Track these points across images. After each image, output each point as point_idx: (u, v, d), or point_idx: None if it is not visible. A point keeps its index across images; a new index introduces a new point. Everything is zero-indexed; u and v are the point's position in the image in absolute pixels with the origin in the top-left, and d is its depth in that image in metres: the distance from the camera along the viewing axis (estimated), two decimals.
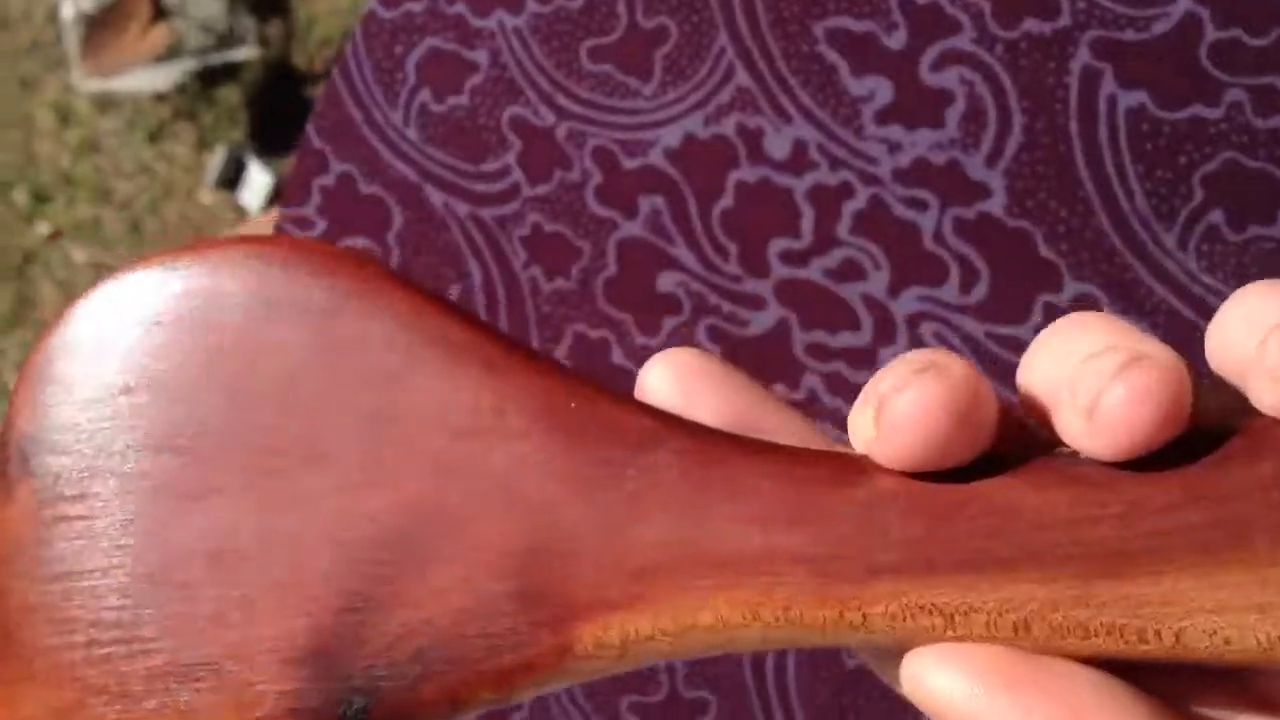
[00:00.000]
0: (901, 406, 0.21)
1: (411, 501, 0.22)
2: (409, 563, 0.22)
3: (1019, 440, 0.23)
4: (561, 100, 0.50)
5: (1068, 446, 0.22)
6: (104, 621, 0.23)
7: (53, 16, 2.00)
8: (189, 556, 0.23)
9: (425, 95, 0.51)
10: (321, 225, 0.53)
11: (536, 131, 0.50)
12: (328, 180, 0.52)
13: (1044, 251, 0.46)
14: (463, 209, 0.51)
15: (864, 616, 0.21)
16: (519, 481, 0.22)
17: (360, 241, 0.52)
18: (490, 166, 0.51)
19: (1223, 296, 0.43)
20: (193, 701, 0.22)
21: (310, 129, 0.52)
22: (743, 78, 0.48)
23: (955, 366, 0.21)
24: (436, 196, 0.51)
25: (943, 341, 0.47)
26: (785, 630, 0.22)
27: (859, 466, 0.22)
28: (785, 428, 0.24)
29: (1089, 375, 0.21)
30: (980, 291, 0.47)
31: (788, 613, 0.21)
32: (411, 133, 0.51)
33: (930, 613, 0.21)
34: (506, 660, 0.22)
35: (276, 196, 1.84)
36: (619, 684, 0.52)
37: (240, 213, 1.88)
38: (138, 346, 0.23)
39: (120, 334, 0.23)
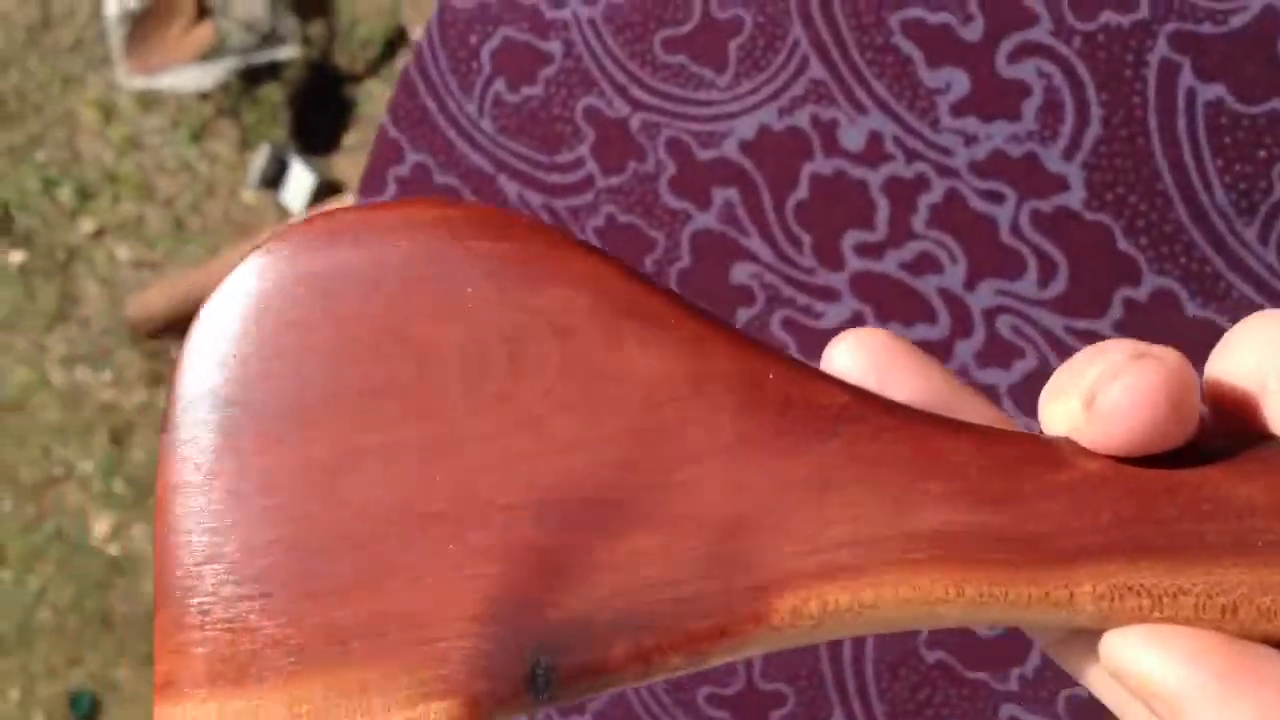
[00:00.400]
0: (1118, 393, 0.21)
1: (609, 467, 0.22)
2: (605, 526, 0.22)
3: (1202, 429, 0.23)
4: (635, 91, 0.50)
5: (1270, 435, 0.22)
6: (284, 577, 0.22)
7: (97, 14, 2.02)
8: (375, 513, 0.22)
9: (500, 85, 0.51)
10: None
11: (610, 122, 0.50)
12: (402, 170, 0.53)
13: (1122, 245, 0.46)
14: (537, 200, 0.51)
15: (1070, 595, 0.22)
16: (717, 452, 0.22)
17: None
18: (564, 157, 0.51)
19: None
20: (376, 657, 0.22)
21: (385, 119, 0.53)
22: (817, 69, 0.48)
23: (1170, 355, 0.21)
24: (511, 187, 0.51)
25: (1020, 335, 0.47)
26: (986, 607, 0.22)
27: (1062, 449, 0.22)
28: (978, 413, 0.24)
29: None
30: (1059, 285, 0.46)
31: (992, 590, 0.22)
32: (486, 123, 0.51)
33: (1138, 594, 0.21)
34: (701, 626, 0.22)
35: (318, 196, 1.85)
36: (697, 675, 0.52)
37: (282, 212, 1.89)
38: (315, 305, 0.23)
39: (293, 292, 0.23)
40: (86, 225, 2.00)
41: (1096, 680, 0.24)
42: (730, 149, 0.49)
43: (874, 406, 0.23)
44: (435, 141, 0.52)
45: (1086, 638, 0.23)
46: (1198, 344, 0.45)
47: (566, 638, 0.22)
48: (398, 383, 0.23)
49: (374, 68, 1.89)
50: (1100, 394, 0.22)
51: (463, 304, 0.23)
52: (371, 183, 0.53)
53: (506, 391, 0.23)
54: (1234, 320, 0.45)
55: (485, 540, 0.22)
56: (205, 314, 0.24)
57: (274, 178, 1.87)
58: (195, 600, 0.22)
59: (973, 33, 0.47)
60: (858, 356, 0.24)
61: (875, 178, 0.48)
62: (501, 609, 0.22)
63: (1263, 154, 0.45)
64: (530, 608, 0.22)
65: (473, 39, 0.51)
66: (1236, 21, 0.45)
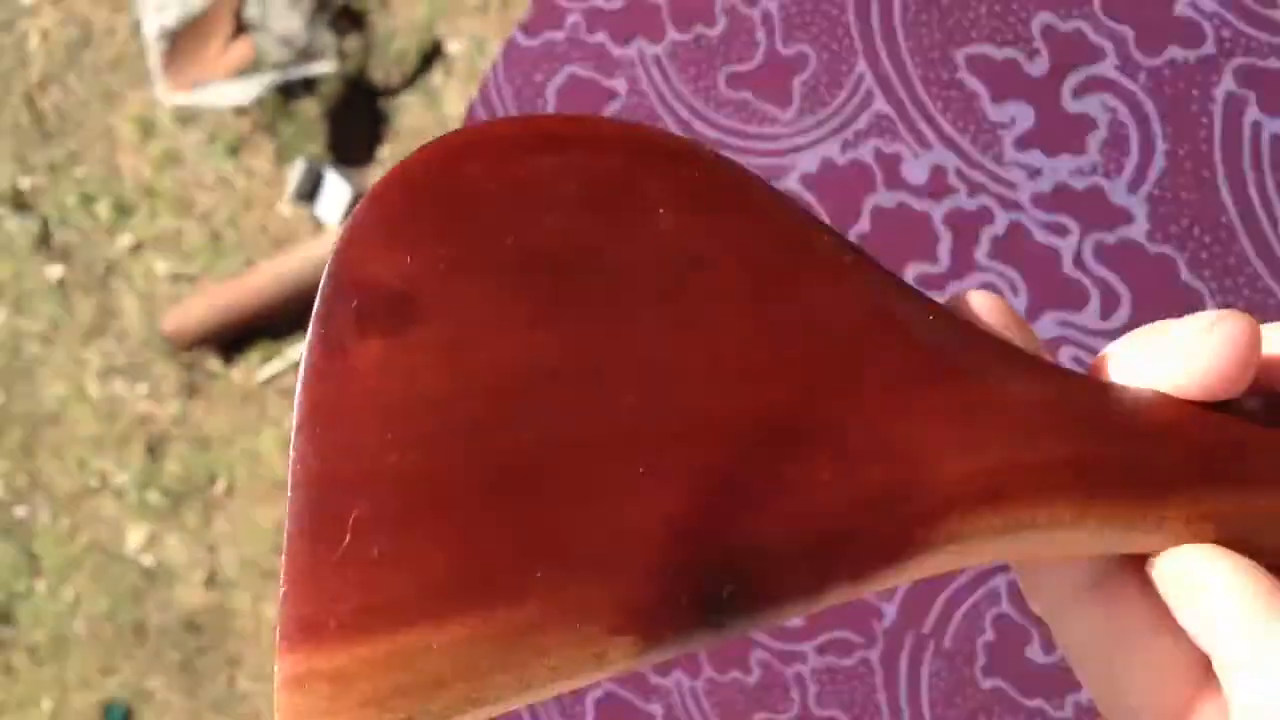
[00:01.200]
0: (1215, 340, 0.25)
1: (788, 396, 0.22)
2: (785, 453, 0.22)
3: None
4: (700, 127, 0.51)
5: None
6: (450, 503, 0.21)
7: (136, 32, 2.04)
8: (551, 434, 0.21)
9: None
10: None
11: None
12: None
13: (1186, 277, 0.46)
14: None
15: (1161, 520, 0.24)
16: (888, 386, 0.23)
17: None
18: None
19: None
20: (552, 590, 0.21)
21: None
22: (881, 104, 0.49)
23: (1244, 315, 0.25)
24: None
25: (1082, 366, 0.47)
26: (1099, 533, 0.24)
27: (1153, 397, 0.25)
28: None
29: None
30: (1121, 316, 0.47)
31: (1108, 514, 0.24)
32: None
33: (1213, 521, 0.24)
34: (872, 554, 0.22)
35: (354, 208, 1.86)
36: (751, 700, 0.52)
37: (318, 225, 1.90)
38: (501, 208, 0.22)
39: (479, 190, 0.22)
40: (124, 240, 2.01)
41: (1075, 623, 0.26)
42: (793, 182, 0.50)
43: (1015, 354, 0.24)
44: None
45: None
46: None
47: (748, 565, 0.21)
48: (583, 298, 0.22)
49: (409, 81, 1.90)
50: (1187, 345, 0.25)
51: (653, 225, 0.22)
52: None
53: (692, 317, 0.22)
54: None
55: (669, 465, 0.21)
56: (379, 194, 0.22)
57: (310, 191, 1.89)
58: (340, 531, 0.20)
59: (1038, 68, 0.47)
60: (993, 309, 0.25)
61: (938, 210, 0.49)
62: (685, 535, 0.21)
63: None
64: (713, 534, 0.21)
65: (538, 76, 0.52)
66: None
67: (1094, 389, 0.25)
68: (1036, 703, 0.49)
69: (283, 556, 0.20)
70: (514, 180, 0.22)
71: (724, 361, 0.22)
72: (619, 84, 0.51)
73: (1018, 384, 0.24)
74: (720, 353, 0.22)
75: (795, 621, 0.51)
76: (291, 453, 0.21)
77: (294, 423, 0.20)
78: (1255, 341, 0.25)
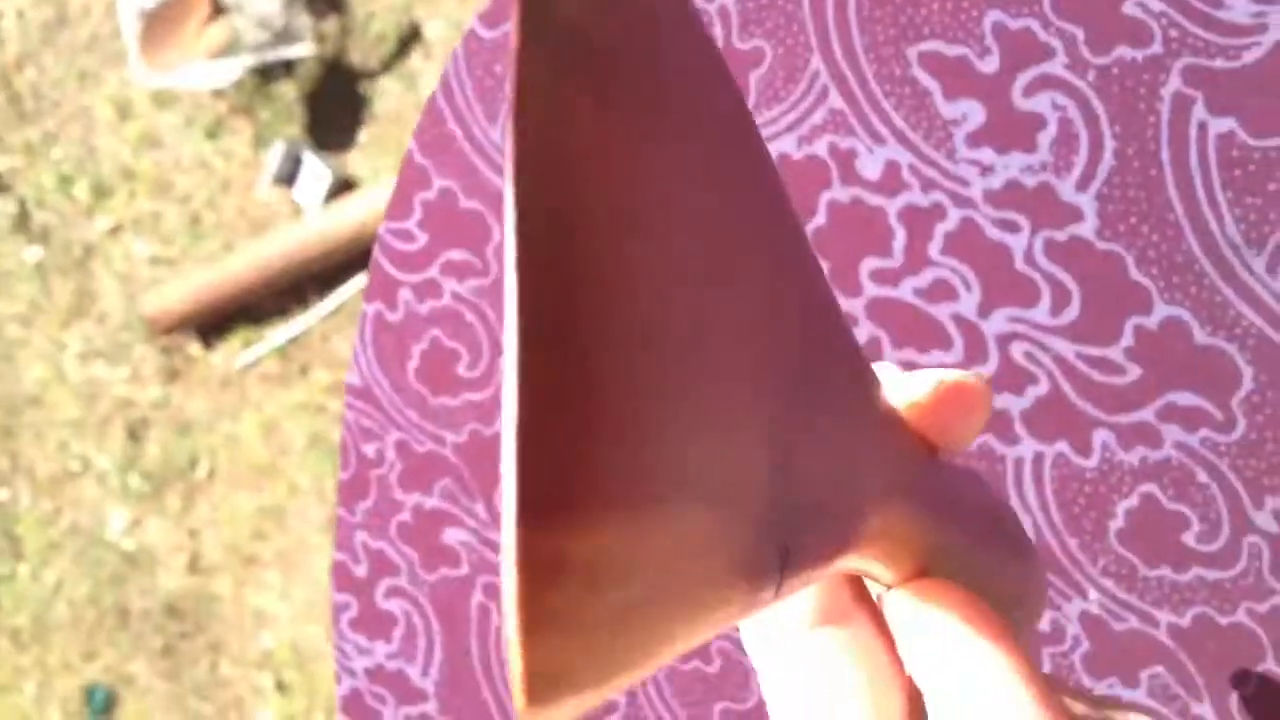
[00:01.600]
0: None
1: (798, 347, 0.20)
2: (805, 403, 0.20)
3: None
4: None
5: None
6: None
7: (112, 12, 2.03)
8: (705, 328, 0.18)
9: None
10: (423, 238, 0.54)
11: None
12: (429, 195, 0.54)
13: (1134, 274, 0.47)
14: None
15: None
16: None
17: (460, 254, 0.54)
18: None
19: None
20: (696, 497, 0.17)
21: (412, 144, 0.54)
22: (836, 100, 0.49)
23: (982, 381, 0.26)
24: None
25: (1033, 361, 0.48)
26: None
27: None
28: None
29: None
30: (1071, 312, 0.48)
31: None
32: None
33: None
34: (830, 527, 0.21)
35: (333, 192, 1.86)
36: (711, 689, 0.53)
37: (296, 208, 1.90)
38: None
39: None
40: (103, 222, 2.01)
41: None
42: None
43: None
44: (460, 166, 0.53)
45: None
46: (1207, 370, 0.46)
47: (802, 524, 0.20)
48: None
49: (388, 64, 1.90)
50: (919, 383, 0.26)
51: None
52: (398, 207, 0.54)
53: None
54: (1242, 349, 0.46)
55: (750, 396, 0.18)
56: None
57: (289, 174, 1.89)
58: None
59: (989, 65, 0.48)
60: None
61: (892, 206, 0.49)
62: (775, 482, 0.19)
63: (1273, 187, 0.46)
64: (785, 488, 0.19)
65: (498, 67, 0.53)
66: (1249, 57, 0.46)
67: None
68: None
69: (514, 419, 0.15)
70: None
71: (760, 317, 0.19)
72: None
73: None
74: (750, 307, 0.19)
75: None
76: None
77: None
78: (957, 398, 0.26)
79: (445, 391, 0.55)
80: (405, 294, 0.55)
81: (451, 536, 0.55)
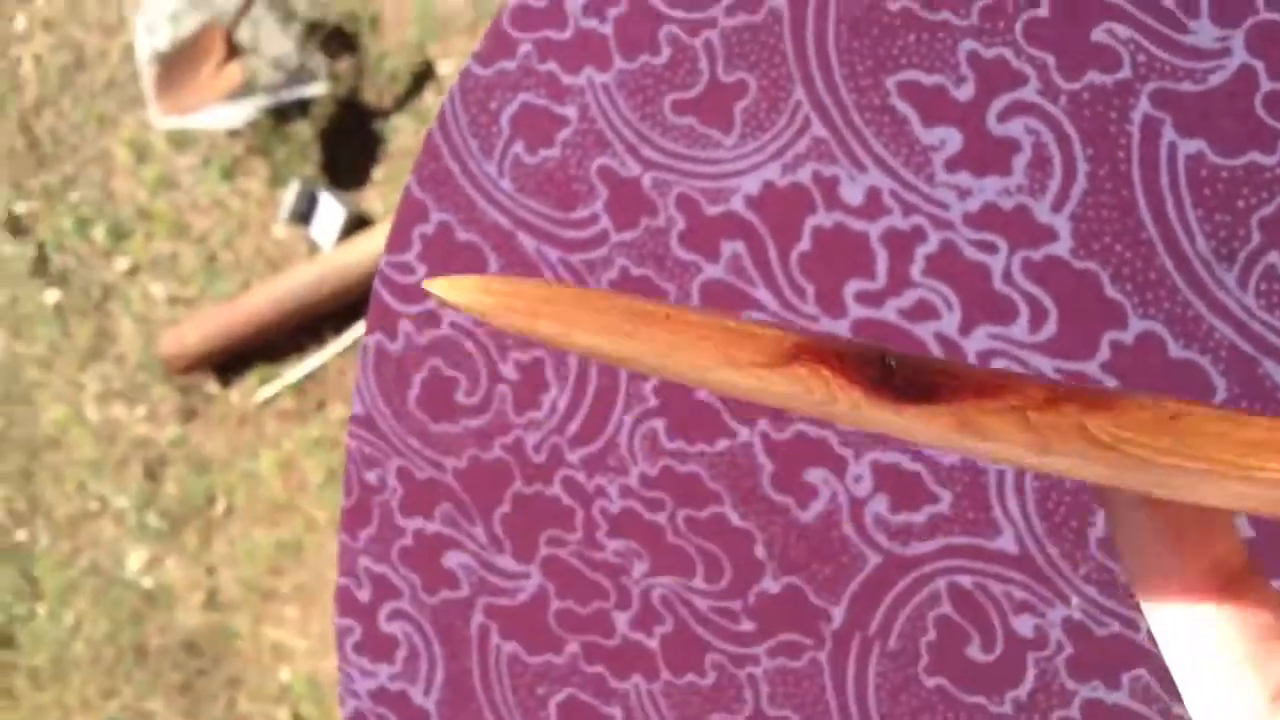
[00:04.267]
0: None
1: None
2: None
3: None
4: (646, 151, 0.53)
5: None
6: None
7: (129, 55, 2.06)
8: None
9: (518, 148, 0.54)
10: (422, 270, 0.56)
11: (623, 181, 0.53)
12: (427, 228, 0.56)
13: (1109, 291, 0.48)
14: (554, 254, 0.54)
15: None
16: None
17: None
18: (580, 214, 0.54)
19: None
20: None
21: (411, 180, 0.55)
22: (818, 129, 0.51)
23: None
24: (529, 243, 0.54)
25: None
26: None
27: None
28: None
29: None
30: (1049, 329, 0.49)
31: None
32: (505, 183, 0.54)
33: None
34: (1063, 387, 0.23)
35: (348, 229, 1.88)
36: (707, 702, 0.54)
37: (313, 246, 1.92)
38: None
39: None
40: (121, 263, 2.03)
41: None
42: (737, 204, 0.52)
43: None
44: (458, 201, 0.55)
45: None
46: (1181, 383, 0.47)
47: (913, 358, 0.23)
48: None
49: (401, 102, 1.92)
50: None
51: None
52: (398, 241, 0.56)
53: None
54: (1215, 360, 0.47)
55: None
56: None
57: (304, 213, 1.91)
58: None
59: (964, 93, 0.49)
60: None
61: (874, 230, 0.51)
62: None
63: (1241, 204, 0.47)
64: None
65: (493, 104, 0.54)
66: (1215, 80, 0.47)
67: None
68: (977, 700, 0.51)
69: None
70: None
71: None
72: (570, 111, 0.54)
73: None
74: None
75: (747, 625, 0.54)
76: None
77: None
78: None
79: (445, 418, 0.56)
80: (405, 325, 0.57)
81: (452, 559, 0.57)
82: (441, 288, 0.24)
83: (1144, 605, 0.26)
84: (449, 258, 0.55)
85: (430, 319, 0.56)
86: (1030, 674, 0.50)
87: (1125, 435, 0.22)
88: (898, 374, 0.22)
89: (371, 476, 0.57)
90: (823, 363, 0.23)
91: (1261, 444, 0.22)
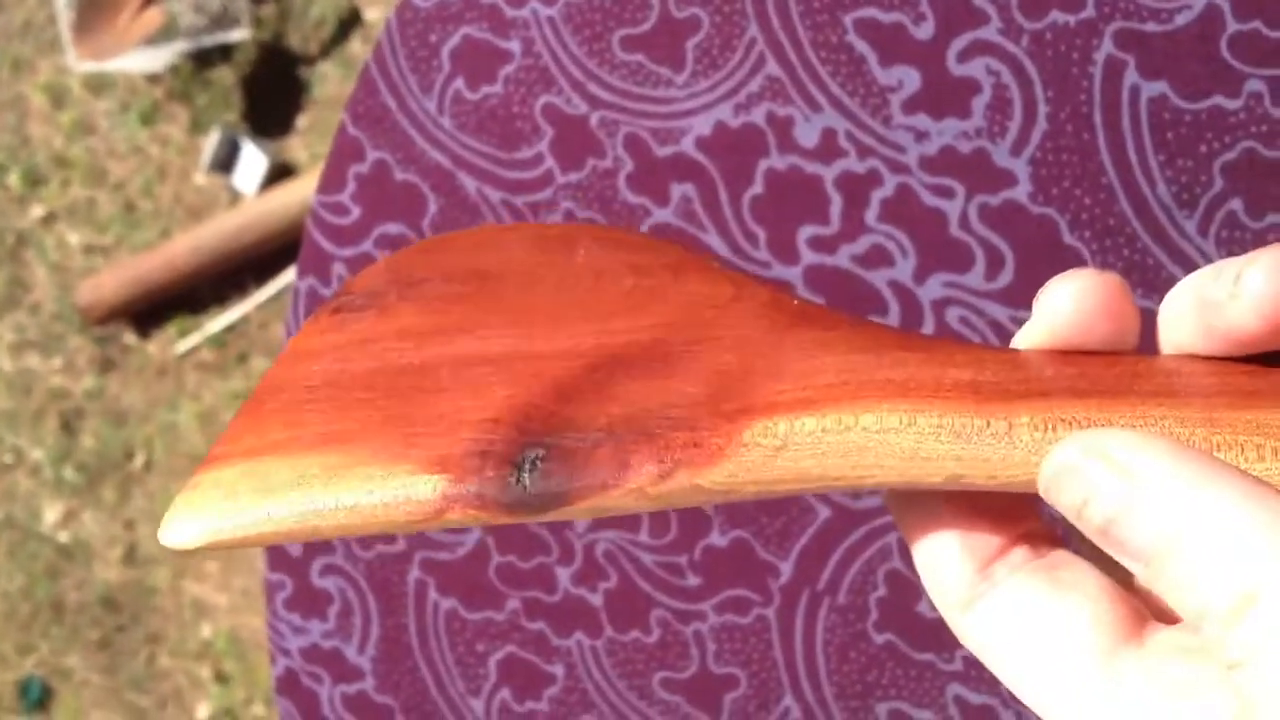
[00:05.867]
0: (1053, 290, 0.25)
1: (645, 343, 0.27)
2: (624, 373, 0.26)
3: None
4: (594, 89, 0.51)
5: None
6: (360, 390, 0.27)
7: None
8: (444, 360, 0.27)
9: (459, 83, 0.52)
10: (357, 211, 0.54)
11: (569, 120, 0.51)
12: (363, 168, 0.53)
13: (1068, 238, 0.47)
14: (496, 196, 0.52)
15: (1009, 427, 0.24)
16: (736, 338, 0.26)
17: (395, 227, 0.53)
18: (524, 154, 0.51)
19: None
20: (390, 440, 0.26)
21: (345, 116, 0.53)
22: (773, 67, 0.49)
23: (1108, 273, 0.25)
24: (470, 183, 0.52)
25: (968, 326, 0.48)
26: (935, 437, 0.24)
27: (1023, 349, 0.26)
28: None
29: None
30: (1005, 277, 0.48)
31: (942, 419, 0.24)
32: (446, 121, 0.52)
33: (1070, 425, 0.24)
34: (680, 438, 0.25)
35: (271, 178, 1.84)
36: (652, 659, 0.53)
37: (234, 195, 1.88)
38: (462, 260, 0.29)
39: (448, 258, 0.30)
40: (36, 210, 1.98)
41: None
42: (687, 146, 0.50)
43: (878, 324, 0.27)
44: (395, 139, 0.53)
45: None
46: (1140, 333, 0.46)
47: (559, 438, 0.25)
48: (501, 295, 0.29)
49: (327, 49, 1.88)
50: (1044, 300, 0.25)
51: (572, 256, 0.29)
52: (332, 180, 0.53)
53: (584, 300, 0.28)
54: None
55: (520, 374, 0.27)
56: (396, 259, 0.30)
57: (226, 161, 1.86)
58: (259, 408, 0.28)
59: (924, 31, 0.48)
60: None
61: (829, 173, 0.49)
62: (514, 414, 0.26)
63: (1203, 149, 0.46)
64: (538, 417, 0.26)
65: (432, 37, 0.52)
66: (1180, 20, 0.46)
67: (956, 344, 0.26)
68: (927, 656, 0.50)
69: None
70: (475, 243, 0.30)
71: (600, 324, 0.28)
72: (513, 46, 0.51)
73: (864, 334, 0.26)
74: (599, 319, 0.28)
75: (693, 580, 0.52)
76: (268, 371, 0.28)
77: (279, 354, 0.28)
78: (1107, 289, 0.25)
79: None
80: (339, 268, 0.54)
81: None
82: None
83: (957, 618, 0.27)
84: (385, 198, 0.53)
85: (365, 262, 0.54)
86: None
87: (736, 479, 0.25)
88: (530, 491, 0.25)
89: None
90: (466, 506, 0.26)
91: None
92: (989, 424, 0.24)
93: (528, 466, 0.25)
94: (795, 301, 0.27)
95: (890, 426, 0.24)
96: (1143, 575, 0.23)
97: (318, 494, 0.26)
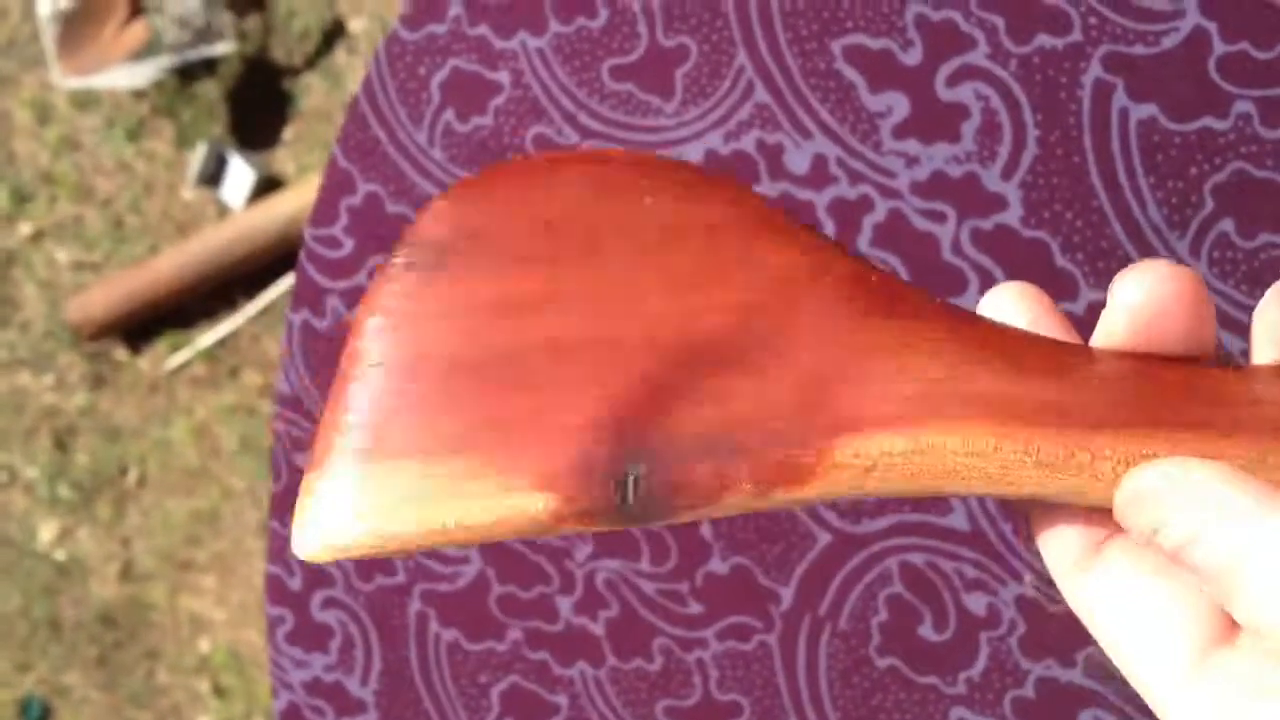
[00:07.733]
0: (1132, 289, 0.26)
1: (727, 328, 0.27)
2: (712, 370, 0.26)
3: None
4: (584, 119, 0.51)
5: None
6: (437, 390, 0.27)
7: (29, 15, 1.99)
8: (524, 345, 0.27)
9: (449, 115, 0.52)
10: (349, 244, 0.54)
11: (560, 150, 0.51)
12: (354, 200, 0.53)
13: (1060, 261, 0.47)
14: None
15: (1091, 458, 0.25)
16: (820, 324, 0.27)
17: None
18: None
19: (1235, 302, 0.44)
20: (489, 451, 0.26)
21: (336, 149, 0.53)
22: (762, 95, 0.49)
23: (1187, 270, 0.26)
24: None
25: None
26: (1018, 466, 0.25)
27: (1095, 349, 0.27)
28: None
29: None
30: None
31: (1028, 447, 0.25)
32: (436, 153, 0.52)
33: (1149, 458, 0.25)
34: (775, 455, 0.26)
35: (258, 191, 1.84)
36: (655, 688, 0.53)
37: (222, 209, 1.88)
38: (540, 208, 0.28)
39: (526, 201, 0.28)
40: (24, 228, 1.98)
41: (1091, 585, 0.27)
42: None
43: (954, 307, 0.27)
44: (386, 171, 0.53)
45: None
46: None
47: (659, 453, 0.26)
48: (572, 254, 0.28)
49: (311, 61, 1.88)
50: (1119, 290, 0.26)
51: (636, 205, 0.28)
52: (324, 213, 0.53)
53: (656, 264, 0.27)
54: None
55: (609, 367, 0.27)
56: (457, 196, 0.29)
57: (213, 174, 1.86)
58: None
59: (912, 57, 0.48)
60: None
61: (821, 199, 0.49)
62: (612, 419, 0.26)
63: (1194, 171, 0.46)
64: (633, 426, 0.26)
65: (421, 70, 0.52)
66: (1167, 42, 0.46)
67: (1034, 338, 0.27)
68: (930, 680, 0.51)
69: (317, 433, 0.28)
70: (543, 182, 0.29)
71: (677, 299, 0.27)
72: (503, 77, 0.51)
73: (945, 327, 0.27)
74: (675, 293, 0.27)
75: (694, 607, 0.52)
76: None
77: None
78: (1192, 292, 0.26)
79: None
80: (333, 301, 0.54)
81: None
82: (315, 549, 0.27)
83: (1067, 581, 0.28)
84: (378, 231, 0.53)
85: (360, 294, 0.54)
86: (983, 653, 0.49)
87: (828, 496, 0.26)
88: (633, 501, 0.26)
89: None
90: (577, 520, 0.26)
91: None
92: (1074, 455, 0.25)
93: (630, 484, 0.26)
94: (874, 276, 0.27)
95: (976, 450, 0.25)
96: (1214, 594, 0.25)
97: (437, 512, 0.26)
